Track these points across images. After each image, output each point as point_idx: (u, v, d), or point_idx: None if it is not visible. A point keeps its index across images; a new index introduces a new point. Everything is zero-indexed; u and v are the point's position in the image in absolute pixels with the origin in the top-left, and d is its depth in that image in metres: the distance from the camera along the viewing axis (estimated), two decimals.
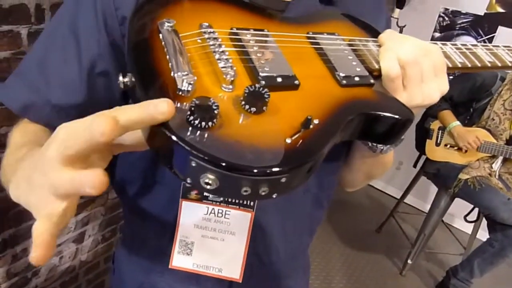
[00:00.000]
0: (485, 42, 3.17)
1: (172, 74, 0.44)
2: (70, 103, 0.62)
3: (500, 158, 2.51)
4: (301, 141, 0.44)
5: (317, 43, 0.59)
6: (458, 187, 2.52)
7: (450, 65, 0.62)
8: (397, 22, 3.20)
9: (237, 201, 0.71)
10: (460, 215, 2.99)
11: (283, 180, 0.41)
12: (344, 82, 0.54)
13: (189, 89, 0.43)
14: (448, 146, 2.56)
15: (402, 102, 0.55)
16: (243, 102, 0.44)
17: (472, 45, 0.68)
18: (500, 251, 2.41)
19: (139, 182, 0.74)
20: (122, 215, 0.87)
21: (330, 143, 0.47)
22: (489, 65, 0.66)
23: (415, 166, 2.93)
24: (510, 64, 0.68)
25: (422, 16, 3.37)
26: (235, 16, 0.58)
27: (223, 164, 0.38)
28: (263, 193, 0.41)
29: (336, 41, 0.60)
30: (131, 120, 0.36)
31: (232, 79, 0.46)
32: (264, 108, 0.45)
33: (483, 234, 2.60)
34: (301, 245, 0.85)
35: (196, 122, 0.40)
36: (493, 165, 2.53)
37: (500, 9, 3.08)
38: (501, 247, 2.40)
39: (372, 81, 0.56)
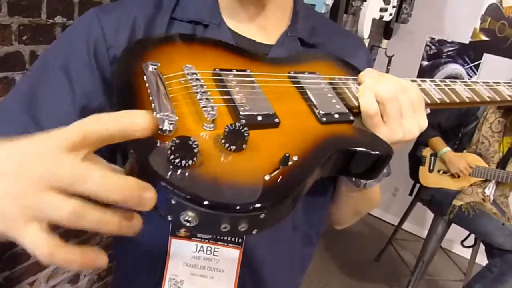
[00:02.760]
0: (471, 69, 3.24)
1: (154, 115, 0.44)
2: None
3: (493, 182, 2.53)
4: (279, 178, 0.45)
5: (298, 82, 0.60)
6: (453, 214, 2.52)
7: (429, 101, 0.64)
8: (385, 52, 3.29)
9: (225, 238, 0.72)
10: (458, 241, 2.98)
11: (262, 216, 0.42)
12: (324, 119, 0.56)
13: (171, 128, 0.44)
14: (441, 172, 2.58)
15: (381, 138, 0.57)
16: (223, 140, 0.46)
17: (451, 81, 0.70)
18: (500, 276, 2.39)
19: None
20: (116, 255, 0.88)
21: (309, 180, 0.48)
22: (467, 100, 0.67)
23: (411, 194, 2.94)
24: (488, 100, 0.70)
25: (409, 46, 3.46)
26: (218, 57, 0.60)
27: (202, 202, 0.40)
28: (242, 229, 0.42)
29: (317, 80, 0.62)
30: (100, 133, 0.35)
31: (213, 118, 0.48)
32: (244, 146, 0.46)
33: (483, 259, 2.58)
34: (292, 283, 0.86)
35: (177, 160, 0.41)
36: (486, 190, 2.54)
37: (484, 37, 3.17)
38: (501, 272, 2.39)
39: (351, 118, 0.57)
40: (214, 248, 0.73)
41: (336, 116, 0.57)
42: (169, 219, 0.41)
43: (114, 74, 0.62)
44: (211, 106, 0.49)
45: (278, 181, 0.45)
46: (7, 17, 1.19)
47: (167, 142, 0.43)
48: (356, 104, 0.59)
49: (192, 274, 0.73)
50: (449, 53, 3.34)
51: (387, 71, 3.30)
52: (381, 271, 3.14)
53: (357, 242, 3.47)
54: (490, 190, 2.54)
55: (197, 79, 0.53)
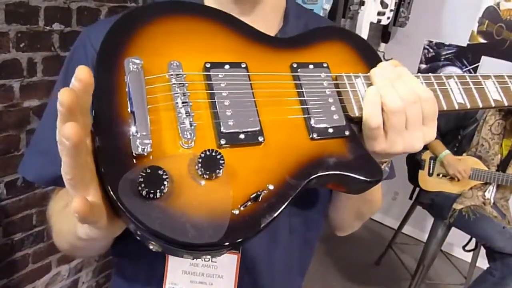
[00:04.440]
0: (469, 71, 3.24)
1: (129, 133, 0.43)
2: None
3: (493, 185, 2.52)
4: (249, 213, 0.44)
5: (298, 79, 0.55)
6: (453, 217, 2.51)
7: (445, 108, 0.57)
8: (383, 56, 3.28)
9: None
10: (459, 244, 2.97)
11: (224, 250, 0.43)
12: (315, 135, 0.52)
13: (144, 153, 0.43)
14: (441, 175, 2.57)
15: (379, 151, 0.53)
16: (198, 165, 0.44)
17: (483, 76, 0.61)
18: (501, 280, 2.37)
19: (127, 230, 0.75)
20: (115, 262, 0.88)
21: (282, 210, 0.46)
22: (493, 104, 0.60)
23: (410, 198, 2.93)
24: None
25: (407, 49, 3.45)
26: (214, 39, 0.54)
27: (162, 239, 0.40)
28: (206, 259, 0.44)
29: (321, 78, 0.56)
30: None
31: (189, 137, 0.45)
32: (219, 172, 0.44)
33: (483, 262, 2.57)
34: (292, 286, 0.85)
35: (144, 193, 0.40)
36: (486, 193, 2.53)
37: (482, 40, 3.17)
38: (502, 276, 2.37)
39: (347, 133, 0.53)
40: None
41: (330, 130, 0.53)
42: (139, 239, 0.43)
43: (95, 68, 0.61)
44: (190, 124, 0.46)
45: (246, 217, 0.44)
46: (5, 25, 1.19)
47: (138, 166, 0.42)
48: (358, 115, 0.54)
49: (191, 282, 0.73)
50: (447, 56, 3.34)
51: None
52: (381, 275, 3.13)
53: (357, 246, 3.46)
54: (490, 193, 2.53)
55: (181, 85, 0.48)
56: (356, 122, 0.55)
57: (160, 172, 0.41)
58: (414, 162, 2.67)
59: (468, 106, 0.58)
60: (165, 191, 0.41)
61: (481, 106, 0.59)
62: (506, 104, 0.59)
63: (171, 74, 0.49)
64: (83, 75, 0.39)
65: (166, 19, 0.53)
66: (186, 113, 0.47)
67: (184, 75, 0.49)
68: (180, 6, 0.55)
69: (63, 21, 1.34)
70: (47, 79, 1.41)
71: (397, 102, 0.51)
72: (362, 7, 2.63)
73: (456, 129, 2.56)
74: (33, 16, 1.25)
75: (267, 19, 0.69)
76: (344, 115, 0.54)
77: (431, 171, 2.60)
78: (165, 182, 0.41)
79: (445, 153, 2.50)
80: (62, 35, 1.33)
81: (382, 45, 3.48)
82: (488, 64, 3.16)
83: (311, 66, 0.56)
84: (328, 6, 2.27)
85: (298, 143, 0.52)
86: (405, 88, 0.52)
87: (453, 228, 2.62)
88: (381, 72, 0.55)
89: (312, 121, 0.53)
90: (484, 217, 2.43)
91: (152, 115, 0.45)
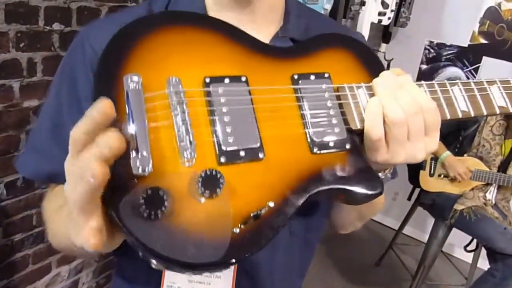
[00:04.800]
0: (471, 72, 3.24)
1: (131, 155, 0.43)
2: None
3: (494, 186, 2.52)
4: (249, 231, 0.45)
5: (300, 92, 0.55)
6: (454, 218, 2.51)
7: (448, 117, 0.57)
8: (384, 56, 3.28)
9: None
10: (460, 245, 2.97)
11: (224, 269, 0.45)
12: (316, 149, 0.52)
13: (145, 174, 0.42)
14: (442, 176, 2.57)
15: (380, 161, 0.52)
16: (198, 184, 0.44)
17: (488, 81, 0.60)
18: (502, 281, 2.37)
19: None
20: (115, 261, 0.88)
21: (283, 226, 0.47)
22: (497, 111, 0.59)
23: (409, 198, 2.93)
24: None
25: (408, 49, 3.45)
26: (213, 51, 0.53)
27: (162, 259, 0.41)
28: (205, 275, 0.44)
29: (322, 89, 0.56)
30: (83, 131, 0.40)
31: (189, 157, 0.45)
32: (219, 191, 0.45)
33: (484, 263, 2.57)
34: (291, 287, 0.85)
35: (145, 214, 0.41)
36: (487, 194, 2.53)
37: (483, 41, 3.17)
38: (503, 277, 2.37)
39: (348, 146, 0.54)
40: None
41: (331, 144, 0.53)
42: (140, 255, 0.43)
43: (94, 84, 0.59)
44: (189, 142, 0.46)
45: (247, 235, 0.44)
46: (4, 24, 1.19)
47: (139, 186, 0.42)
48: (359, 127, 0.54)
49: (189, 281, 0.73)
50: (448, 56, 3.33)
51: None
52: (382, 276, 3.12)
53: (358, 247, 3.46)
54: (491, 194, 2.53)
55: (181, 102, 0.47)
56: (357, 133, 0.54)
57: (161, 193, 0.42)
58: (414, 163, 2.66)
59: (472, 114, 0.57)
60: (166, 211, 0.42)
61: (485, 113, 0.58)
62: (511, 110, 0.58)
63: (170, 92, 0.48)
64: (104, 108, 0.39)
65: (163, 31, 0.52)
66: (185, 131, 0.46)
67: (184, 92, 0.48)
68: (177, 17, 0.54)
69: (63, 21, 1.33)
70: (47, 79, 1.41)
71: (399, 113, 0.51)
72: (363, 7, 2.62)
73: (457, 130, 2.56)
74: (33, 16, 1.24)
75: (267, 18, 0.69)
76: (346, 128, 0.54)
77: (432, 172, 2.60)
78: (166, 203, 0.42)
79: (446, 154, 2.50)
80: (62, 35, 1.33)
81: (383, 45, 3.48)
82: (489, 65, 3.16)
83: (312, 77, 0.56)
84: (328, 6, 2.27)
85: (299, 157, 0.52)
86: (407, 98, 0.51)
87: (454, 229, 2.62)
88: (383, 81, 0.54)
89: (313, 135, 0.53)
90: (485, 218, 2.43)
91: (152, 133, 0.45)
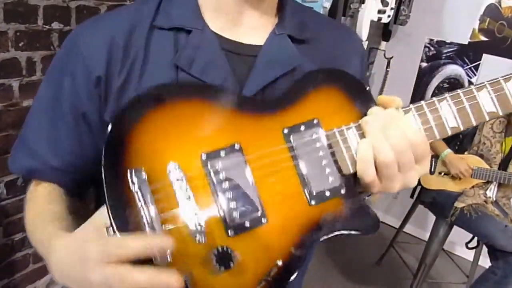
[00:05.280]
0: (471, 69, 3.24)
1: (148, 248, 0.47)
2: (65, 163, 0.67)
3: (495, 184, 2.52)
4: None
5: (293, 150, 0.57)
6: (455, 216, 2.51)
7: (438, 137, 0.58)
8: (384, 54, 3.28)
9: None
10: (461, 243, 2.97)
11: None
12: (313, 202, 0.56)
13: (164, 264, 0.47)
14: (443, 174, 2.57)
15: (376, 192, 0.56)
16: (213, 262, 0.50)
17: (477, 87, 0.58)
18: (503, 278, 2.37)
19: None
20: None
21: (292, 281, 0.53)
22: (487, 118, 0.59)
23: (411, 196, 2.93)
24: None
25: (408, 47, 3.44)
26: (202, 120, 0.55)
27: None
28: None
29: (312, 139, 0.57)
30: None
31: (200, 239, 0.50)
32: (232, 264, 0.50)
33: (485, 261, 2.57)
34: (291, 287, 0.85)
35: None
36: (488, 192, 2.53)
37: (483, 38, 3.16)
38: (504, 274, 2.37)
39: (343, 191, 0.57)
40: None
41: (327, 194, 0.56)
42: None
43: (102, 95, 0.63)
44: (199, 225, 0.50)
45: None
46: (4, 24, 1.19)
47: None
48: (352, 171, 0.56)
49: None
50: (448, 54, 3.33)
51: (386, 73, 3.30)
52: (382, 274, 3.12)
53: (358, 245, 3.46)
54: (491, 191, 2.54)
55: (184, 188, 0.51)
56: (352, 175, 0.57)
57: (183, 279, 0.46)
58: None
59: (462, 128, 0.58)
60: None
61: (474, 124, 0.59)
62: (500, 113, 0.59)
63: (172, 180, 0.51)
64: (165, 250, 0.46)
65: (152, 114, 0.54)
66: (193, 216, 0.51)
67: (185, 177, 0.52)
68: (160, 95, 0.56)
69: (62, 20, 1.33)
70: None
71: (389, 155, 0.53)
72: (363, 5, 2.62)
73: None
74: (32, 15, 1.24)
75: (266, 15, 0.68)
76: (340, 175, 0.57)
77: (432, 169, 2.60)
78: (188, 286, 0.48)
79: (447, 152, 2.50)
80: (61, 34, 1.32)
81: (383, 43, 3.48)
82: (489, 62, 3.15)
83: (302, 128, 0.57)
84: (328, 4, 2.26)
85: (298, 212, 0.56)
86: (396, 136, 0.53)
87: (454, 227, 2.62)
88: (372, 120, 0.56)
89: (310, 189, 0.56)
90: (486, 216, 2.43)
91: (164, 223, 0.50)
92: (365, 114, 0.58)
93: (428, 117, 0.58)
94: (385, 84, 3.31)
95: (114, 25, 0.64)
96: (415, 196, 2.90)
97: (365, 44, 3.00)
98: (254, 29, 0.67)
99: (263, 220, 0.53)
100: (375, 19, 2.75)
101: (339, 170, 0.57)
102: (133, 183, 0.50)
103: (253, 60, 0.65)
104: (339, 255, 3.18)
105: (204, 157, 0.53)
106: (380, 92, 3.33)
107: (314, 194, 0.56)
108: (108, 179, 0.50)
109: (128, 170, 0.50)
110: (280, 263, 0.52)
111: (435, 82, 3.38)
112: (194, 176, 0.52)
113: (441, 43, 3.35)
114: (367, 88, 0.64)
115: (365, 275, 3.08)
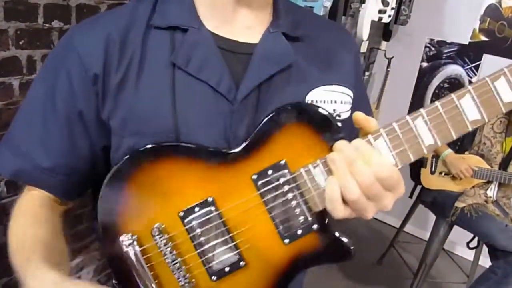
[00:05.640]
0: (471, 69, 3.24)
1: None
2: (56, 164, 0.66)
3: (495, 183, 2.53)
4: None
5: (263, 197, 0.59)
6: (456, 216, 2.52)
7: (412, 160, 0.57)
8: (384, 54, 3.29)
9: None
10: (461, 242, 2.98)
11: None
12: (287, 241, 0.60)
13: None
14: (443, 174, 2.58)
15: (351, 219, 0.58)
16: None
17: (458, 95, 0.54)
18: (504, 278, 2.37)
19: None
20: None
21: None
22: (470, 129, 0.55)
23: (411, 196, 2.94)
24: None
25: (408, 47, 3.45)
26: (178, 179, 0.60)
27: None
28: None
29: (280, 182, 0.59)
30: None
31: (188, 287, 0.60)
32: None
33: (486, 261, 2.57)
34: (294, 282, 0.85)
35: None
36: (488, 191, 2.53)
37: (483, 38, 3.16)
38: (505, 274, 2.37)
39: (314, 227, 0.60)
40: None
41: (299, 232, 0.59)
42: None
43: (99, 93, 0.64)
44: (184, 277, 0.60)
45: None
46: (4, 22, 1.19)
47: None
48: (322, 208, 0.58)
49: None
50: (448, 54, 3.33)
51: (387, 73, 3.30)
52: (383, 274, 3.13)
53: (359, 245, 3.43)
54: (492, 191, 2.54)
55: (167, 246, 0.60)
56: (322, 211, 0.60)
57: None
58: (416, 160, 2.66)
59: (439, 144, 0.55)
60: None
61: (455, 137, 0.55)
62: (486, 120, 0.54)
63: (156, 240, 0.60)
64: None
65: (134, 181, 0.60)
66: (178, 270, 0.60)
67: (167, 238, 0.59)
68: (135, 161, 0.61)
69: (62, 19, 1.34)
70: None
71: (356, 193, 0.53)
72: (363, 5, 2.62)
73: None
74: (32, 14, 1.25)
75: (261, 14, 0.69)
76: (310, 214, 0.59)
77: (433, 169, 2.61)
78: None
79: (447, 152, 2.50)
80: (62, 32, 1.33)
81: (384, 43, 3.49)
82: (490, 62, 3.16)
83: (270, 172, 0.59)
84: (328, 4, 2.26)
85: (274, 251, 0.60)
86: (362, 172, 0.53)
87: (455, 227, 2.62)
88: (338, 158, 0.55)
89: (282, 230, 0.59)
90: (486, 215, 2.44)
91: (156, 278, 0.59)
92: (332, 148, 0.57)
93: (401, 140, 0.55)
94: (385, 84, 3.31)
95: (110, 24, 0.65)
96: (414, 196, 2.90)
97: (366, 44, 3.01)
98: (249, 28, 0.68)
99: (241, 263, 0.60)
100: (376, 19, 2.75)
101: (309, 209, 0.59)
102: (125, 249, 0.58)
103: (248, 58, 0.66)
104: None
105: (181, 214, 0.59)
106: (381, 92, 3.34)
107: (287, 234, 0.59)
108: (105, 245, 0.62)
109: (119, 238, 0.59)
110: None
111: (435, 82, 3.38)
112: (177, 234, 0.60)
113: (441, 43, 3.35)
114: (335, 116, 0.65)
115: (366, 275, 3.08)
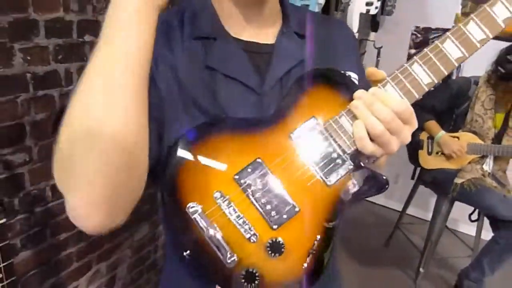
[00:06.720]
0: None
1: (221, 261, 0.64)
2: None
3: (490, 158, 2.60)
4: (312, 263, 0.66)
5: (300, 145, 0.67)
6: (456, 191, 2.60)
7: (417, 96, 0.66)
8: (374, 45, 3.40)
9: None
10: (463, 219, 3.06)
11: None
12: (330, 183, 0.67)
13: (234, 264, 0.64)
14: (440, 153, 2.65)
15: (380, 157, 0.66)
16: (268, 252, 0.64)
17: (440, 40, 0.66)
18: (507, 246, 2.47)
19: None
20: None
21: (332, 249, 0.69)
22: (456, 65, 0.66)
23: (413, 178, 3.01)
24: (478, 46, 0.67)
25: (396, 36, 3.56)
26: (228, 149, 0.67)
27: None
28: None
29: (315, 133, 0.67)
30: None
31: (254, 240, 0.65)
32: (283, 249, 0.65)
33: (487, 235, 2.64)
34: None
35: (248, 286, 0.64)
36: (484, 166, 2.61)
37: None
38: (507, 242, 2.46)
39: (351, 166, 0.67)
40: None
41: (341, 172, 0.67)
42: None
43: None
44: (249, 229, 0.65)
45: (312, 266, 0.66)
46: (45, 40, 1.28)
47: (237, 271, 0.65)
48: (353, 149, 0.66)
49: None
50: (434, 39, 3.43)
51: (377, 62, 3.40)
52: (391, 255, 3.21)
53: (365, 231, 3.52)
54: (488, 165, 2.62)
55: (229, 206, 0.65)
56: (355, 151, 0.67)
57: (251, 270, 0.64)
58: (413, 142, 2.75)
59: (436, 81, 0.66)
60: (258, 280, 0.65)
61: (446, 73, 0.66)
62: (467, 56, 0.66)
63: (219, 203, 0.65)
64: None
65: (189, 161, 0.66)
66: (243, 223, 0.65)
67: (228, 199, 0.65)
68: (199, 134, 0.68)
69: (92, 33, 1.43)
70: None
71: (379, 128, 0.62)
72: None
73: (449, 108, 2.64)
74: (67, 30, 1.33)
75: (272, 17, 0.78)
76: (345, 156, 0.67)
77: (430, 150, 2.69)
78: (257, 274, 0.64)
79: (440, 134, 2.59)
80: (93, 45, 1.39)
81: (372, 34, 3.58)
82: None
83: (302, 126, 0.68)
84: (322, 1, 2.38)
85: (321, 195, 0.67)
86: (381, 109, 0.62)
87: (456, 204, 2.70)
88: (359, 103, 0.64)
89: (323, 175, 0.67)
90: (485, 188, 2.52)
91: (225, 236, 0.64)
92: (351, 99, 0.66)
93: (405, 83, 0.66)
94: None
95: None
96: (415, 177, 2.99)
97: (356, 36, 3.11)
98: (262, 30, 0.77)
99: (296, 209, 0.65)
100: (364, 11, 2.87)
101: (343, 151, 0.66)
102: (193, 216, 0.64)
103: (268, 57, 0.75)
104: (347, 240, 3.25)
105: (236, 177, 0.65)
106: None
107: (328, 177, 0.66)
108: (171, 215, 0.67)
109: (186, 207, 0.64)
110: (318, 237, 0.66)
111: None
112: (235, 195, 0.65)
113: (427, 30, 3.47)
114: (347, 74, 0.76)
115: (374, 257, 3.16)
